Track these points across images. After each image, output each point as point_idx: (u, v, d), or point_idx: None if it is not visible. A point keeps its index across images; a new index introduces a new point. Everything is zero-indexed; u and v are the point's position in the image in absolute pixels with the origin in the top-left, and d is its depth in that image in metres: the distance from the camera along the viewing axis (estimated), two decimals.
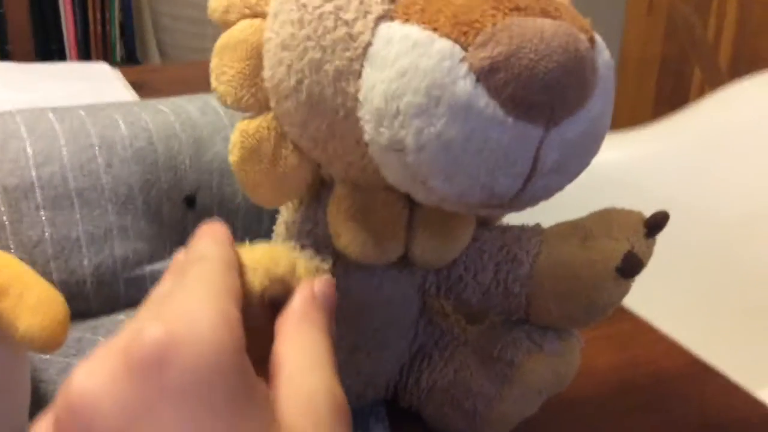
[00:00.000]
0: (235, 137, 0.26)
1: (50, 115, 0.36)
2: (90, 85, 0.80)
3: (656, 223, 0.26)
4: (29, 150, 0.34)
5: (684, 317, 0.54)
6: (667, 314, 0.42)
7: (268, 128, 0.26)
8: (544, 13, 0.19)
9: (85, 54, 1.67)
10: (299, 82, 0.23)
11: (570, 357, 0.27)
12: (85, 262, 0.33)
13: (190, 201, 0.37)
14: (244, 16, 0.26)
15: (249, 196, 0.27)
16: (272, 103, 0.26)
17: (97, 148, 0.35)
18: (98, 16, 1.72)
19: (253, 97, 0.26)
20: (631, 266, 0.25)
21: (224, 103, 0.26)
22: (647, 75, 1.53)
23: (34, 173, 0.34)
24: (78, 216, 0.34)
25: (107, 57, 1.71)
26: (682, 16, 1.49)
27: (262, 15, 0.26)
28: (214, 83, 0.26)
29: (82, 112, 0.37)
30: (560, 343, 0.26)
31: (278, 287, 0.24)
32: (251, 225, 0.39)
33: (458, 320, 0.29)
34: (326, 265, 0.25)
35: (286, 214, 0.29)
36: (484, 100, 0.19)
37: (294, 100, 0.24)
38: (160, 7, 1.76)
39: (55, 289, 0.27)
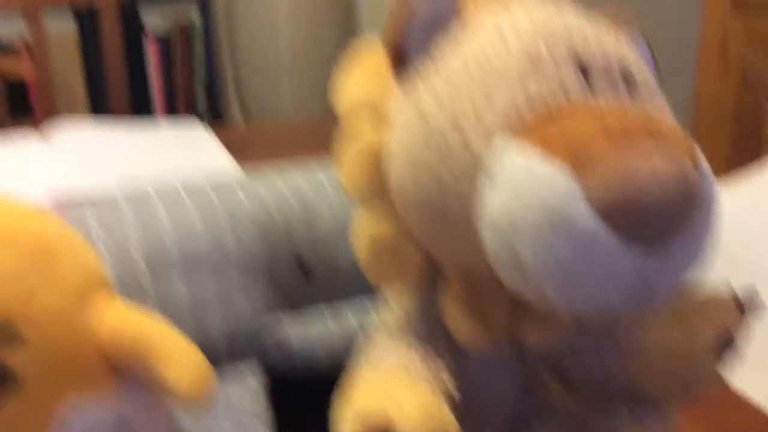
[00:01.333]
0: (363, 240, 0.30)
1: (182, 192, 0.41)
2: (192, 154, 0.86)
3: (748, 302, 0.28)
4: (168, 224, 0.39)
5: None
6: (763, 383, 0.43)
7: (395, 233, 0.29)
8: (651, 136, 0.22)
9: (170, 106, 1.77)
10: (424, 198, 0.26)
11: (667, 429, 0.29)
12: (215, 321, 0.37)
13: (303, 268, 0.41)
14: (369, 118, 0.30)
15: (375, 284, 0.31)
16: (398, 206, 0.29)
17: (222, 219, 0.40)
18: (183, 71, 1.82)
19: (379, 200, 0.29)
20: (726, 346, 0.27)
21: (353, 200, 0.30)
22: (721, 131, 1.52)
23: (173, 244, 0.38)
24: (208, 280, 0.38)
25: (191, 109, 1.81)
26: (755, 71, 1.49)
27: (385, 118, 0.29)
28: (343, 181, 0.30)
29: (209, 190, 0.41)
30: (659, 417, 0.29)
31: None
32: (354, 286, 0.42)
33: (558, 391, 0.32)
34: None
35: (401, 303, 0.32)
36: (601, 231, 0.22)
37: (418, 212, 0.27)
38: (241, 62, 1.85)
39: (197, 349, 0.31)
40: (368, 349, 0.35)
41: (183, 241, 0.38)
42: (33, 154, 0.87)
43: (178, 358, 0.30)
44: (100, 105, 1.58)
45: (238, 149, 0.87)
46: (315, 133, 1.05)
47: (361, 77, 0.31)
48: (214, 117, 1.86)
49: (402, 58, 0.27)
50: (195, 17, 1.83)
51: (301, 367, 0.39)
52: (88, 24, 1.61)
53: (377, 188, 0.29)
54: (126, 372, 0.30)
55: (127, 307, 0.31)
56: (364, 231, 0.29)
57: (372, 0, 2.05)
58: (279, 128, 1.27)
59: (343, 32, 1.89)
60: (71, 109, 1.44)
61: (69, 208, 0.39)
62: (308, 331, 0.40)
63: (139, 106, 1.68)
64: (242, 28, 1.78)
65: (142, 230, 0.38)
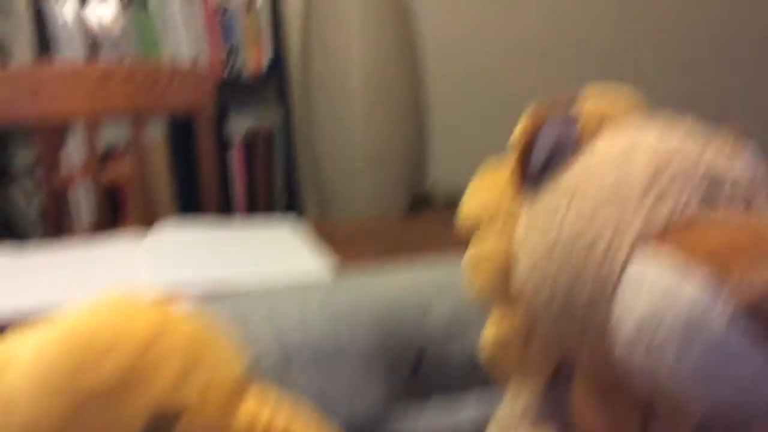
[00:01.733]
0: (488, 335, 0.32)
1: (301, 288, 0.44)
2: (291, 251, 0.91)
3: None
4: (292, 317, 0.42)
5: None
6: None
7: (518, 331, 0.31)
8: None
9: (251, 205, 1.85)
10: (551, 299, 0.28)
11: None
12: (339, 413, 0.39)
13: (417, 360, 0.43)
14: (493, 228, 0.32)
15: (498, 378, 0.33)
16: (523, 307, 0.31)
17: (342, 316, 0.42)
18: (264, 172, 1.92)
19: (503, 300, 0.31)
20: None
21: (479, 298, 0.32)
22: None
23: (298, 338, 0.41)
24: (331, 376, 0.41)
25: (270, 208, 1.89)
26: None
27: (509, 228, 0.32)
28: (469, 284, 0.32)
29: (329, 285, 0.44)
30: None
31: None
32: (468, 378, 0.44)
33: None
34: None
35: (520, 398, 0.34)
36: (738, 337, 0.23)
37: (545, 311, 0.29)
38: (319, 163, 1.93)
39: None
40: None
41: (307, 335, 0.41)
42: (135, 254, 0.93)
43: None
44: (187, 206, 1.67)
45: (333, 244, 0.91)
46: (393, 230, 1.09)
47: (486, 191, 0.34)
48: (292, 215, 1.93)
49: (528, 176, 0.30)
50: (276, 121, 1.93)
51: None
52: (176, 130, 1.73)
53: (502, 291, 0.31)
54: None
55: (267, 398, 0.33)
56: (488, 330, 0.32)
57: (442, 104, 2.13)
58: (360, 225, 1.32)
59: (414, 132, 1.97)
60: (161, 211, 1.52)
61: (202, 302, 0.42)
62: (426, 422, 0.41)
63: (222, 206, 1.76)
64: (320, 131, 1.87)
65: (270, 324, 0.41)
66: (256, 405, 0.33)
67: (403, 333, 0.43)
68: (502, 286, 0.31)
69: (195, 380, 0.31)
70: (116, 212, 1.46)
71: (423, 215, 1.66)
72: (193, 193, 1.62)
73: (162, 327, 0.32)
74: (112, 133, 1.48)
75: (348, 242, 0.94)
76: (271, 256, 0.90)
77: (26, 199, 1.83)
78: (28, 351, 0.30)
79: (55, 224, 1.36)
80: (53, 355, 0.29)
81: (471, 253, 0.33)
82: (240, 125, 1.90)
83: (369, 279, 0.46)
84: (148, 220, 1.28)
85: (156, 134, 1.67)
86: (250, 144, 1.90)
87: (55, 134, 1.33)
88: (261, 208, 1.87)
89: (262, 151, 1.91)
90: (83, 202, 1.56)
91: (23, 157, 1.85)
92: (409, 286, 0.45)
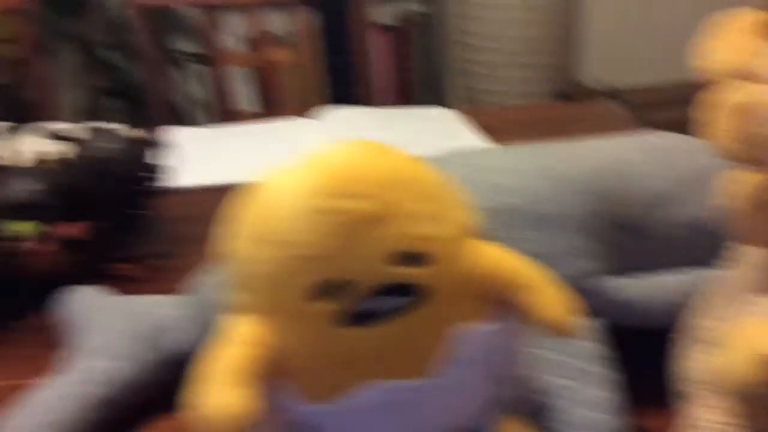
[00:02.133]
0: (728, 186, 0.32)
1: (512, 150, 0.46)
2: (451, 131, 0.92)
3: None
4: (503, 180, 0.44)
5: None
6: None
7: (761, 191, 0.31)
8: None
9: (398, 93, 1.87)
10: None
11: None
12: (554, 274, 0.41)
13: (624, 228, 0.44)
14: (738, 79, 0.32)
15: (747, 242, 0.33)
16: None
17: (556, 179, 0.44)
18: (407, 61, 1.92)
19: (745, 152, 0.31)
20: None
21: (718, 155, 0.32)
22: None
23: (511, 199, 0.43)
24: (545, 236, 0.42)
25: (416, 96, 1.90)
26: None
27: (755, 76, 0.31)
28: (715, 140, 0.32)
29: (539, 150, 0.46)
30: None
31: None
32: (673, 253, 0.44)
33: None
34: None
35: (750, 264, 0.34)
36: None
37: None
38: (467, 51, 1.90)
39: (563, 286, 0.35)
40: (715, 302, 0.37)
41: (523, 198, 0.43)
42: (308, 132, 0.97)
43: (548, 294, 0.35)
44: (338, 94, 1.71)
45: (489, 131, 0.92)
46: (544, 117, 1.06)
47: (727, 42, 0.33)
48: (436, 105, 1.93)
49: None
50: (421, 8, 1.91)
51: (636, 319, 0.43)
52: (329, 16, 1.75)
53: (752, 146, 0.31)
54: (503, 309, 0.35)
55: (501, 248, 0.36)
56: (741, 186, 0.32)
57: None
58: (509, 112, 1.30)
59: (567, 25, 1.89)
60: (314, 99, 1.56)
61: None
62: (639, 286, 0.43)
63: (371, 94, 1.79)
64: (471, 19, 1.83)
65: (486, 184, 0.43)
66: (490, 249, 0.35)
67: (613, 200, 0.44)
68: (753, 141, 0.31)
69: (439, 221, 0.33)
70: (272, 98, 1.51)
71: (574, 105, 1.61)
72: (344, 81, 1.66)
73: (409, 171, 0.34)
74: (270, 20, 1.51)
75: (499, 128, 0.93)
76: (437, 134, 0.92)
77: (192, 84, 1.93)
78: (292, 185, 0.33)
79: (218, 109, 1.44)
80: (315, 189, 0.32)
81: (715, 108, 0.32)
82: (389, 12, 1.89)
83: (574, 146, 0.47)
84: (304, 106, 1.32)
85: (310, 20, 1.70)
86: (399, 31, 1.89)
87: (215, 19, 1.38)
88: (407, 96, 1.88)
89: (410, 38, 1.90)
90: (242, 87, 1.63)
91: (185, 42, 1.94)
92: (617, 154, 0.46)
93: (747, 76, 0.32)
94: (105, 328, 0.47)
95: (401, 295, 0.32)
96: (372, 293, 0.32)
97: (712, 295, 0.38)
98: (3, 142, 0.67)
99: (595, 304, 0.42)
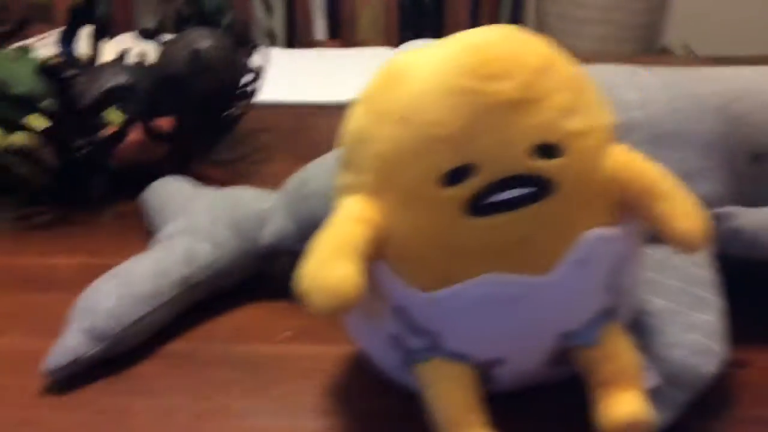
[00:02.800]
0: None
1: (640, 69, 0.43)
2: None
3: None
4: (631, 95, 0.41)
5: None
6: None
7: None
8: None
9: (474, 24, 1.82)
10: None
11: None
12: None
13: (757, 158, 0.41)
14: None
15: None
16: None
17: (686, 98, 0.41)
18: (491, 8, 1.86)
19: None
20: None
21: None
22: None
23: (638, 113, 0.40)
24: (671, 155, 0.40)
25: None
26: None
27: None
28: None
29: (665, 69, 0.43)
30: None
31: None
32: None
33: None
34: None
35: None
36: None
37: None
38: (546, 5, 1.84)
39: (696, 202, 0.33)
40: None
41: (648, 113, 0.40)
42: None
43: (685, 208, 0.32)
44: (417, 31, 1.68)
45: None
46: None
47: None
48: None
49: None
50: None
51: (745, 248, 0.40)
52: None
53: None
54: (629, 214, 0.33)
55: (642, 156, 0.33)
56: None
57: None
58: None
59: None
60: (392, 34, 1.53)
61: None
62: (759, 220, 0.40)
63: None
64: None
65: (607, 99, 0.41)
66: (626, 152, 0.33)
67: (745, 124, 0.40)
68: None
69: (577, 116, 0.31)
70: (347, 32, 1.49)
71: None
72: (422, 20, 1.62)
73: (552, 60, 0.32)
74: None
75: None
76: None
77: (267, 12, 1.92)
78: (429, 64, 0.31)
79: (295, 36, 1.42)
80: (457, 69, 0.30)
81: None
82: None
83: (709, 69, 0.43)
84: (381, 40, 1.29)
85: None
86: None
87: None
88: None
89: None
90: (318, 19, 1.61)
91: None
92: (760, 80, 0.42)
93: None
94: (192, 212, 0.46)
95: (531, 186, 0.30)
96: (502, 183, 0.30)
97: None
98: (96, 42, 0.67)
99: (720, 233, 0.40)
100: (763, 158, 0.41)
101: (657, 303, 0.38)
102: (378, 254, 0.32)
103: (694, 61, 1.62)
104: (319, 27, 1.89)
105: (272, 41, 1.93)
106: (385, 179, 0.31)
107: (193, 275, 0.42)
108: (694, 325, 0.37)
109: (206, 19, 0.67)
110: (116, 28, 1.32)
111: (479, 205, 0.30)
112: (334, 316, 0.30)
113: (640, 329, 0.37)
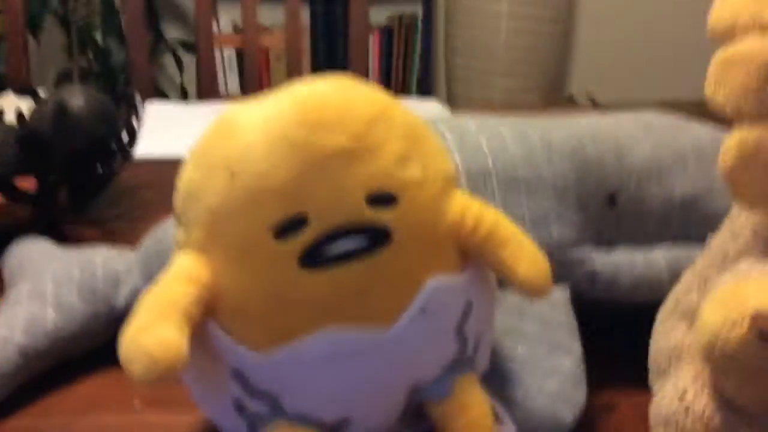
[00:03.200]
0: (730, 145, 0.29)
1: (491, 119, 0.43)
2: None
3: None
4: (483, 142, 0.41)
5: None
6: None
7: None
8: None
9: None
10: None
11: None
12: None
13: (611, 199, 0.41)
14: (751, 30, 0.29)
15: (735, 199, 0.30)
16: None
17: (538, 144, 0.41)
18: (400, 61, 1.90)
19: (755, 110, 0.29)
20: None
21: (722, 112, 0.30)
22: None
23: (490, 161, 0.40)
24: (524, 200, 0.40)
25: (404, 93, 1.89)
26: None
27: None
28: (711, 93, 0.30)
29: (518, 119, 0.43)
30: None
31: None
32: (660, 229, 0.42)
33: None
34: None
35: (750, 219, 0.32)
36: None
37: None
38: (455, 59, 1.89)
39: (540, 248, 0.32)
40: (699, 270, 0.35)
41: (500, 159, 0.40)
42: None
43: (527, 253, 0.32)
44: None
45: None
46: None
47: None
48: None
49: None
50: (417, 11, 1.89)
51: (602, 291, 0.40)
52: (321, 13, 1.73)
53: (756, 95, 0.29)
54: (475, 263, 0.32)
55: (482, 203, 0.33)
56: (733, 138, 0.29)
57: (591, 4, 2.02)
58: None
59: (559, 39, 1.88)
60: None
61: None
62: (615, 263, 0.40)
63: None
64: (461, 23, 1.82)
65: (462, 147, 0.40)
66: (466, 200, 0.32)
67: (597, 167, 0.41)
68: (754, 95, 0.29)
69: (413, 164, 0.31)
70: (257, 87, 1.49)
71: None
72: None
73: (386, 109, 0.31)
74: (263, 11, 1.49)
75: None
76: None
77: (176, 71, 1.90)
78: (259, 116, 0.30)
79: (205, 88, 1.40)
80: (287, 119, 0.29)
81: (721, 56, 0.30)
82: (381, 13, 1.87)
83: (567, 119, 0.44)
84: None
85: (303, 16, 1.69)
86: (389, 31, 1.87)
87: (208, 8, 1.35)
88: (394, 92, 1.87)
89: (401, 39, 1.88)
90: (229, 71, 1.60)
91: (175, 29, 1.91)
92: (613, 126, 0.43)
93: (764, 26, 0.30)
94: (38, 275, 0.43)
95: (366, 236, 0.29)
96: (336, 233, 0.29)
97: (698, 264, 0.36)
98: None
99: (577, 275, 0.40)
100: (617, 200, 0.41)
101: (516, 349, 0.37)
102: (208, 314, 0.30)
103: (596, 110, 1.69)
104: (232, 82, 1.89)
105: (184, 95, 1.91)
106: (215, 234, 0.30)
107: (34, 344, 0.39)
108: (554, 370, 0.37)
109: (111, 75, 0.65)
110: (12, 84, 1.27)
111: (313, 258, 0.29)
112: (156, 384, 0.28)
113: (500, 377, 0.37)
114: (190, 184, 0.31)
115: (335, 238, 0.29)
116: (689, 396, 0.30)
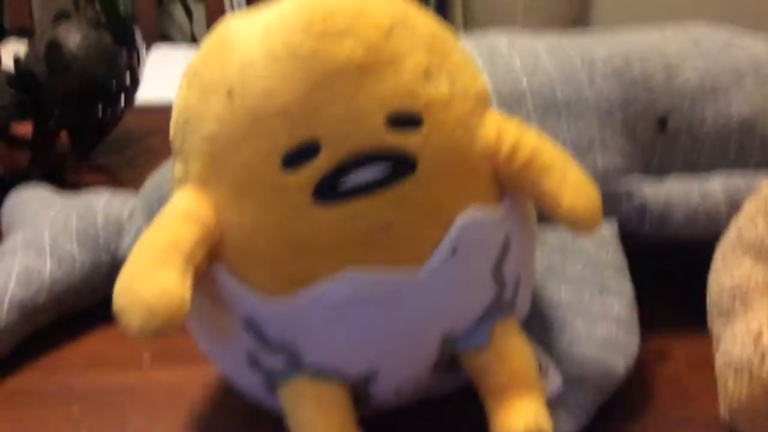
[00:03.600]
0: None
1: (525, 35, 0.38)
2: None
3: None
4: (517, 62, 0.36)
5: None
6: None
7: None
8: None
9: None
10: None
11: None
12: None
13: (662, 123, 0.36)
14: None
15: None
16: None
17: (579, 62, 0.36)
18: None
19: None
20: None
21: None
22: None
23: (525, 82, 0.36)
24: (564, 125, 0.35)
25: None
26: None
27: None
28: None
29: (554, 35, 0.38)
30: None
31: None
32: (716, 154, 0.37)
33: None
34: None
35: None
36: None
37: None
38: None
39: (588, 176, 0.28)
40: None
41: (538, 79, 0.36)
42: None
43: (574, 182, 0.28)
44: None
45: None
46: None
47: None
48: None
49: None
50: None
51: (653, 226, 0.36)
52: None
53: None
54: (513, 194, 0.28)
55: (521, 125, 0.28)
56: None
57: None
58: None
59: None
60: None
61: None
62: (667, 194, 0.36)
63: None
64: None
65: (492, 66, 0.36)
66: (502, 121, 0.28)
67: (646, 88, 0.36)
68: None
69: (439, 80, 0.26)
70: None
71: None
72: None
73: (407, 16, 0.27)
74: None
75: None
76: None
77: (187, 16, 1.85)
78: (259, 26, 0.26)
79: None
80: (291, 28, 0.25)
81: None
82: None
83: (609, 34, 0.39)
84: None
85: None
86: None
87: None
88: None
89: None
90: None
91: None
92: (661, 43, 0.38)
93: None
94: (36, 224, 0.40)
95: (388, 164, 0.25)
96: (354, 161, 0.25)
97: (764, 190, 0.31)
98: None
99: (625, 208, 0.35)
100: (668, 123, 0.37)
101: (560, 292, 0.34)
102: (214, 257, 0.26)
103: None
104: None
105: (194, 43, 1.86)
106: (216, 166, 0.26)
107: (31, 297, 0.36)
108: (602, 315, 0.33)
109: (118, 24, 0.61)
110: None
111: (328, 190, 0.25)
112: (158, 337, 0.24)
113: (543, 324, 0.33)
114: (185, 111, 0.27)
115: (352, 168, 0.25)
116: (765, 338, 0.26)
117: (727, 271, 0.32)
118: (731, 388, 0.27)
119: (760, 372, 0.26)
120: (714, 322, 0.32)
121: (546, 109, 0.35)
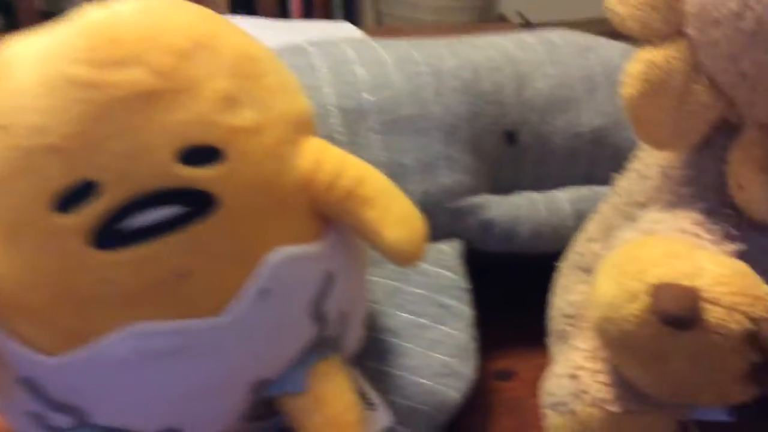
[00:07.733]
0: (636, 68, 0.24)
1: (375, 43, 0.36)
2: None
3: None
4: (363, 75, 0.34)
5: None
6: None
7: (682, 59, 0.23)
8: None
9: (307, 12, 1.74)
10: (744, 6, 0.21)
11: None
12: (413, 188, 0.33)
13: (510, 137, 0.35)
14: None
15: (639, 136, 0.25)
16: (690, 30, 0.23)
17: (427, 75, 0.34)
18: None
19: (663, 22, 0.23)
20: None
21: (623, 27, 0.24)
22: None
23: (369, 96, 0.34)
24: (409, 142, 0.33)
25: (328, 17, 1.78)
26: None
27: None
28: (614, 5, 0.24)
29: (405, 43, 0.36)
30: None
31: None
32: (567, 166, 0.36)
33: None
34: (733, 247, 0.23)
35: (658, 158, 0.27)
36: None
37: (730, 28, 0.22)
38: None
39: (414, 206, 0.27)
40: (605, 218, 0.30)
41: (379, 94, 0.33)
42: None
43: (397, 214, 0.26)
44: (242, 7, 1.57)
45: None
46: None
47: None
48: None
49: None
50: None
51: (499, 242, 0.34)
52: None
53: (665, 5, 0.23)
54: (335, 227, 0.26)
55: (344, 153, 0.26)
56: (638, 60, 0.23)
57: None
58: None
59: None
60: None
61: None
62: (514, 210, 0.34)
63: (278, 11, 1.66)
64: None
65: (335, 79, 0.34)
66: (322, 149, 0.26)
67: (494, 101, 0.35)
68: (665, 3, 0.23)
69: (244, 107, 0.24)
70: None
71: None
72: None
73: (208, 37, 0.24)
74: None
75: None
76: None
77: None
78: (36, 51, 0.23)
79: None
80: (68, 55, 0.22)
81: None
82: None
83: (461, 41, 0.37)
84: None
85: None
86: None
87: None
88: (317, 15, 1.76)
89: None
90: None
91: None
92: (511, 51, 0.37)
93: None
94: None
95: (180, 204, 0.23)
96: (139, 202, 0.22)
97: (602, 210, 0.31)
98: None
99: (471, 225, 0.34)
100: (518, 137, 0.35)
101: (398, 318, 0.32)
102: None
103: (529, 28, 1.63)
104: None
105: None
106: None
107: None
108: (439, 341, 0.31)
109: None
110: None
111: (110, 235, 0.22)
112: None
113: (378, 350, 0.31)
114: None
115: (137, 209, 0.22)
116: (584, 376, 0.25)
117: (565, 291, 0.31)
118: (555, 424, 0.26)
119: (579, 410, 0.25)
120: (553, 342, 0.31)
121: (390, 124, 0.33)
